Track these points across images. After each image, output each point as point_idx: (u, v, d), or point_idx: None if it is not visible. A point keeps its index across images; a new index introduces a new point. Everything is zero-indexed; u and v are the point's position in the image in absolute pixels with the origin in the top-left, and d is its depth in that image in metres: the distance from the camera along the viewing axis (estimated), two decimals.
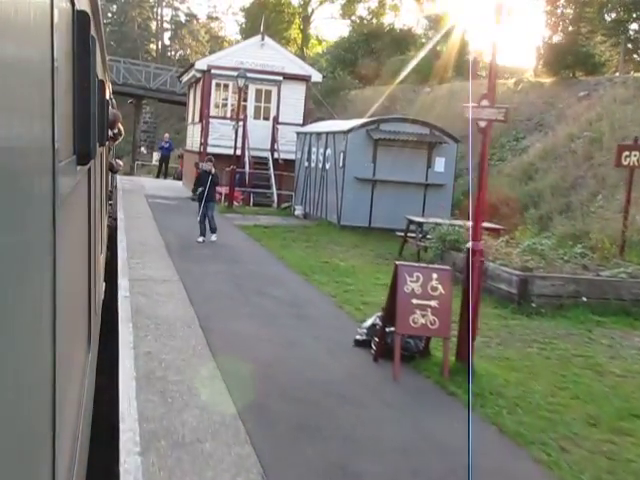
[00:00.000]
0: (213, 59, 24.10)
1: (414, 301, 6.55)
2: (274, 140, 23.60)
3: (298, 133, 20.70)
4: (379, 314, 7.21)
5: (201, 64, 23.81)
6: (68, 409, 2.11)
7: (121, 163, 16.28)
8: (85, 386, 2.96)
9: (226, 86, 24.48)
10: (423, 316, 6.54)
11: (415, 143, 16.53)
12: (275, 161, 23.19)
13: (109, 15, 66.84)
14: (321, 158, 18.26)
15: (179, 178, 31.71)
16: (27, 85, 1.22)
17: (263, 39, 23.94)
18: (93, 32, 2.76)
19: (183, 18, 70.82)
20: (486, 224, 12.91)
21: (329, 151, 17.66)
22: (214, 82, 24.04)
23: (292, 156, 23.58)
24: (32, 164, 1.28)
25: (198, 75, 24.10)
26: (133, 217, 16.77)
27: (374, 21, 44.32)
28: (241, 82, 19.76)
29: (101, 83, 4.37)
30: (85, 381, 2.99)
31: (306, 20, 57.62)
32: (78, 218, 2.73)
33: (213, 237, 14.27)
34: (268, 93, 24.41)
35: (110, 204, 13.66)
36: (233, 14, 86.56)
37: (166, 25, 73.73)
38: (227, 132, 23.40)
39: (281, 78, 24.02)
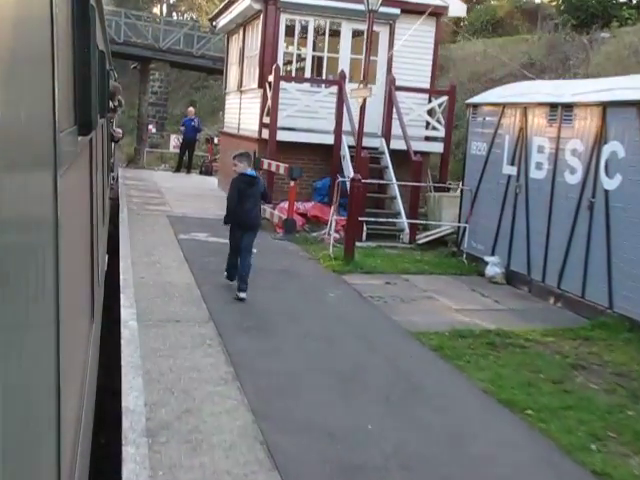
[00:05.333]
0: None
1: None
2: (390, 118, 13.14)
3: (474, 105, 10.16)
4: None
5: None
6: (72, 379, 2.01)
7: (120, 131, 12.72)
8: (89, 356, 2.86)
9: (304, 26, 13.95)
10: None
11: None
12: (392, 154, 12.79)
13: None
14: (578, 165, 7.82)
15: (208, 173, 21.25)
16: (26, 56, 1.16)
17: None
18: (92, 1, 2.59)
19: None
20: None
21: (617, 147, 7.25)
22: (284, 18, 13.48)
23: (423, 147, 13.19)
24: (33, 134, 1.22)
25: (256, 7, 13.47)
26: (160, 322, 6.45)
27: None
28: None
29: (101, 53, 4.35)
30: (89, 351, 2.87)
31: None
32: (80, 189, 2.62)
33: (242, 294, 7.35)
34: (373, 38, 13.83)
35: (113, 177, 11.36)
36: None
37: None
38: (313, 106, 12.92)
39: (397, 11, 13.45)
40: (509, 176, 9.13)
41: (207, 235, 10.84)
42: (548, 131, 8.33)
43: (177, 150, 22.08)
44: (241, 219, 7.44)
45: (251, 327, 6.52)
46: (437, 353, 6.16)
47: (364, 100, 8.99)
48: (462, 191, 10.34)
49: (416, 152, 12.43)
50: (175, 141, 22.56)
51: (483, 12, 27.27)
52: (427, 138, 13.90)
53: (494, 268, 9.12)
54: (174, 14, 60.21)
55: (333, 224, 9.83)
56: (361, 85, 9.15)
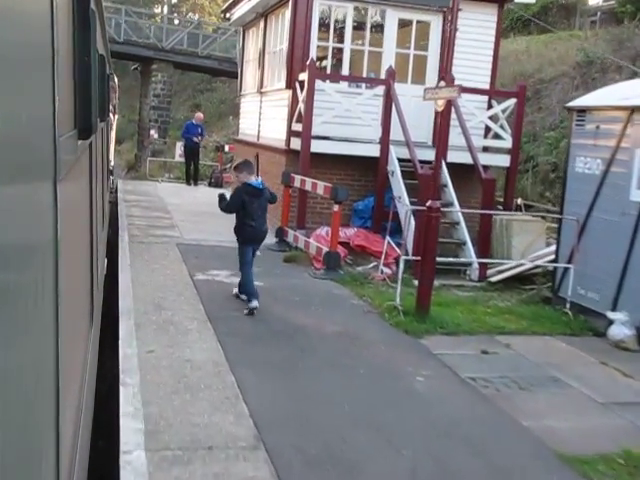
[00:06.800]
0: None
1: None
2: (447, 125, 10.75)
3: (581, 109, 7.76)
4: None
5: None
6: (71, 383, 1.96)
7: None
8: (88, 360, 2.83)
9: (342, 15, 11.56)
10: None
11: None
12: (449, 168, 10.41)
13: None
14: None
15: (218, 184, 18.83)
16: (27, 60, 1.15)
17: None
18: (93, 6, 2.55)
19: None
20: None
21: None
22: (318, 4, 11.10)
23: (483, 159, 10.79)
24: (33, 138, 1.21)
25: None
26: (183, 450, 3.95)
27: None
28: None
29: (101, 57, 4.28)
30: (88, 355, 2.85)
31: None
32: (80, 192, 2.60)
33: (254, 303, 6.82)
34: (423, 29, 11.49)
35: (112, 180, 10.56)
36: None
37: None
38: (354, 110, 10.52)
39: None
40: None
41: (230, 274, 8.45)
42: None
43: (183, 159, 19.67)
44: (255, 235, 7.05)
45: (323, 458, 4.12)
46: None
47: (447, 104, 6.61)
48: (561, 220, 7.96)
49: (487, 167, 10.05)
50: (181, 149, 20.15)
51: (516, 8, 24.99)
52: (485, 149, 11.54)
53: (622, 329, 6.74)
54: (175, 15, 57.82)
55: (402, 264, 7.39)
56: (442, 83, 6.76)
